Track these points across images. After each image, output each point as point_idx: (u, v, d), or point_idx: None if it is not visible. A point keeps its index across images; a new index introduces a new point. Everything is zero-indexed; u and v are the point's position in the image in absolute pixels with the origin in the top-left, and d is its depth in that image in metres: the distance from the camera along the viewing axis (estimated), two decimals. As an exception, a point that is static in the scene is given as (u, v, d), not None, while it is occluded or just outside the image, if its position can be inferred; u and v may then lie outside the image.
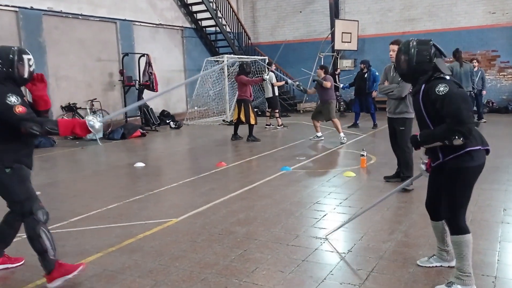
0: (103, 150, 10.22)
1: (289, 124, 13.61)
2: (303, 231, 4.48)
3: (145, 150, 10.41)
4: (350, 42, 16.56)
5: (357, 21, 16.70)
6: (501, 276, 3.36)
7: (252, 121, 10.70)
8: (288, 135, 11.62)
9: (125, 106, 13.68)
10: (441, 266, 3.47)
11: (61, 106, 12.25)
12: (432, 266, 3.47)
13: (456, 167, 2.99)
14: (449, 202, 3.07)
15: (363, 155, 7.40)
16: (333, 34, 16.54)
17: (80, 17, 12.71)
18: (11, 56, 3.30)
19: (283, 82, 11.77)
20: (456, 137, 2.84)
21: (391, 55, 5.87)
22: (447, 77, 2.97)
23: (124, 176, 7.53)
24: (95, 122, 3.32)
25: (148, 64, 13.48)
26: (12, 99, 3.19)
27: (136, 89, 13.68)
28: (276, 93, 13.34)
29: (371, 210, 5.12)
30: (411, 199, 5.44)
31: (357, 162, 7.56)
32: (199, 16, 16.70)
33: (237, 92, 11.12)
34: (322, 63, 15.34)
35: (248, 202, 5.54)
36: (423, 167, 3.33)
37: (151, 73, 13.46)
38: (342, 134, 9.86)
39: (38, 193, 6.35)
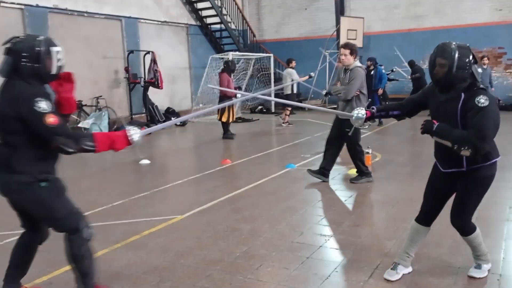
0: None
1: (295, 122, 13.60)
2: (307, 228, 4.49)
3: (150, 147, 10.43)
4: (355, 39, 16.47)
5: (363, 18, 16.63)
6: (506, 274, 3.36)
7: (224, 119, 10.62)
8: (293, 133, 11.61)
9: (130, 103, 13.72)
10: (408, 273, 3.34)
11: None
12: (400, 277, 3.29)
13: (485, 176, 3.02)
14: (465, 208, 3.10)
15: (368, 153, 7.37)
16: (338, 31, 16.48)
17: (85, 14, 12.74)
18: (37, 48, 2.70)
19: (307, 77, 11.35)
20: (467, 148, 2.78)
21: (342, 59, 5.94)
22: (487, 91, 2.92)
23: (130, 173, 7.56)
24: (134, 134, 2.86)
25: (153, 61, 13.49)
26: (42, 105, 2.62)
27: (142, 86, 13.70)
28: (295, 91, 13.22)
29: (376, 207, 5.13)
30: (416, 196, 5.42)
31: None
32: (204, 13, 16.70)
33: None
34: (328, 61, 15.32)
35: (253, 199, 5.55)
36: (362, 115, 3.41)
37: (156, 70, 13.47)
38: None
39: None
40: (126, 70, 13.63)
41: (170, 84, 15.54)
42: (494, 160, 3.00)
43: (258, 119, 15.06)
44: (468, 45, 2.97)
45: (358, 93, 5.91)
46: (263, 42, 18.96)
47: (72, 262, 2.89)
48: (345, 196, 5.68)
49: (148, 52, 13.76)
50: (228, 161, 7.96)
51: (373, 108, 3.48)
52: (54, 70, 2.80)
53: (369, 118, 3.49)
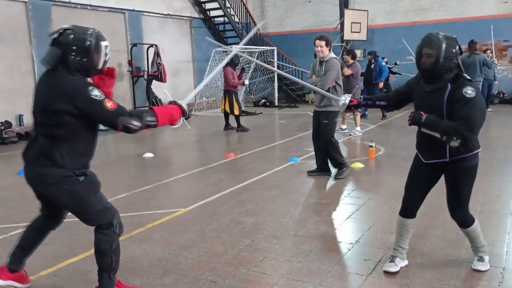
0: (112, 140, 10.27)
1: (298, 115, 13.58)
2: (310, 221, 4.50)
3: (154, 141, 10.45)
4: (359, 32, 16.41)
5: (367, 11, 16.53)
6: (510, 267, 3.36)
7: (236, 112, 10.79)
8: (296, 126, 11.60)
9: (134, 97, 13.73)
10: (405, 266, 3.36)
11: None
12: (399, 270, 3.31)
13: (469, 166, 3.05)
14: (460, 200, 3.14)
15: (371, 146, 7.38)
16: (342, 24, 16.40)
17: (88, 7, 12.73)
18: (88, 42, 2.68)
19: (350, 71, 10.64)
20: (456, 139, 2.80)
21: (318, 50, 5.92)
22: (473, 82, 2.95)
23: (133, 166, 7.58)
24: (183, 104, 2.96)
25: (157, 54, 13.49)
26: (97, 93, 2.63)
27: (145, 79, 13.72)
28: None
29: (380, 201, 5.13)
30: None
31: (366, 153, 7.54)
32: (208, 6, 16.66)
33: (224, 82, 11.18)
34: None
35: (256, 193, 5.56)
36: (347, 101, 3.57)
37: (159, 63, 13.48)
38: (358, 128, 9.77)
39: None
40: (130, 63, 13.64)
41: (174, 77, 15.54)
42: (476, 151, 3.04)
43: (262, 113, 15.05)
44: (455, 36, 2.98)
45: (334, 84, 5.92)
46: (267, 35, 18.90)
47: (100, 256, 2.88)
48: (348, 189, 5.68)
49: (151, 45, 13.76)
50: (231, 154, 7.97)
51: (360, 97, 3.58)
52: (100, 65, 2.79)
53: (356, 106, 3.62)
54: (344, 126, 10.27)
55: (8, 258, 3.12)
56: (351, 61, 9.63)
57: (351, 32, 16.31)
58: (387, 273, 3.28)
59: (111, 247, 2.85)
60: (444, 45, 2.88)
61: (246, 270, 3.42)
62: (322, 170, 6.29)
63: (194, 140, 10.49)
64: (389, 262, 3.34)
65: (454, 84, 2.92)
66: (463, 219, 3.21)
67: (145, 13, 14.56)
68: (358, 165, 6.83)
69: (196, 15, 16.71)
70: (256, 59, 16.78)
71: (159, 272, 3.43)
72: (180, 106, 2.94)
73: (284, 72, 17.27)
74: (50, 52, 2.69)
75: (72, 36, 2.67)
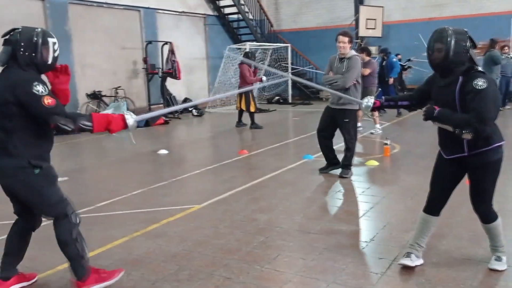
0: (131, 138, 10.36)
1: (312, 112, 13.54)
2: (325, 219, 4.49)
3: (168, 138, 10.52)
4: (374, 28, 16.28)
5: (382, 7, 16.38)
6: (527, 267, 3.31)
7: (252, 109, 10.84)
8: (310, 123, 11.56)
9: (149, 94, 13.81)
10: (420, 265, 3.32)
11: (86, 93, 12.45)
12: (416, 265, 3.30)
13: (490, 161, 3.01)
14: (482, 196, 3.11)
15: (386, 144, 7.33)
16: (357, 20, 16.29)
17: (104, 5, 12.83)
18: (35, 38, 2.84)
19: (368, 70, 10.37)
20: (469, 131, 2.78)
21: (340, 46, 5.82)
22: (486, 73, 2.94)
23: (148, 163, 7.64)
24: (130, 119, 3.00)
25: (171, 52, 13.55)
26: (39, 88, 2.76)
27: (159, 77, 13.79)
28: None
29: (394, 199, 5.09)
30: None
31: (381, 151, 7.49)
32: (222, 3, 16.68)
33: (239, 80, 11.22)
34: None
35: (270, 190, 5.57)
36: (371, 104, 3.53)
37: (174, 61, 13.54)
38: (378, 126, 9.67)
39: (65, 178, 6.52)
40: (145, 60, 13.73)
41: (188, 75, 15.61)
42: (496, 145, 2.99)
43: (275, 110, 15.03)
44: (466, 30, 2.99)
45: (355, 82, 5.85)
46: (281, 32, 18.85)
47: (64, 246, 2.99)
48: (362, 187, 5.65)
49: (166, 43, 13.82)
50: (245, 151, 7.98)
51: (382, 98, 3.56)
52: (50, 60, 2.92)
53: (378, 107, 3.59)
54: (359, 124, 10.19)
55: (0, 269, 3.15)
56: (366, 59, 9.53)
57: (366, 28, 16.18)
58: (403, 267, 3.27)
59: (71, 236, 2.97)
60: (453, 39, 2.90)
61: (260, 267, 3.43)
62: (333, 164, 6.26)
63: (208, 137, 10.53)
64: (405, 257, 3.31)
65: (466, 76, 2.93)
66: (486, 214, 3.17)
67: (160, 11, 14.63)
68: (373, 162, 6.78)
69: (210, 12, 16.74)
70: (270, 56, 16.78)
71: (174, 268, 3.46)
72: (123, 120, 2.99)
73: (297, 70, 17.25)
74: (2, 51, 2.86)
75: (20, 34, 2.84)
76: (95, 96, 12.49)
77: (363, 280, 3.21)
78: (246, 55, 11.13)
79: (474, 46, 2.97)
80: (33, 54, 2.84)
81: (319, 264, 3.46)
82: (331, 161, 6.28)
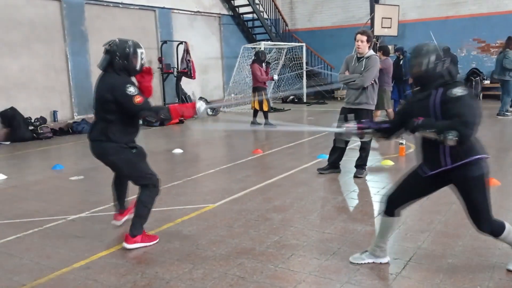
0: (143, 137, 10.44)
1: (327, 112, 13.48)
2: (339, 219, 4.47)
3: (183, 137, 10.57)
4: (390, 27, 16.11)
5: (398, 5, 16.21)
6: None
7: (265, 108, 10.91)
8: (324, 123, 11.52)
9: (164, 93, 13.90)
10: (373, 262, 3.39)
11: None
12: (364, 263, 3.39)
13: (473, 176, 2.95)
14: (479, 212, 3.01)
15: (402, 144, 7.26)
16: (372, 19, 16.14)
17: (120, 5, 12.95)
18: (127, 50, 3.62)
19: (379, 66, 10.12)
20: (452, 136, 2.74)
21: (358, 45, 5.74)
22: (463, 84, 2.97)
23: (163, 162, 7.68)
24: (201, 106, 3.68)
25: (186, 51, 13.61)
26: (131, 89, 3.53)
27: (174, 76, 13.87)
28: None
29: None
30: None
31: (396, 151, 7.42)
32: (237, 2, 16.69)
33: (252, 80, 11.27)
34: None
35: (284, 189, 5.56)
36: (354, 129, 3.38)
37: (189, 60, 13.60)
38: None
39: (81, 177, 6.60)
40: (160, 60, 13.82)
41: (202, 74, 15.66)
42: (478, 157, 2.93)
43: (290, 109, 15.00)
44: (448, 47, 3.12)
45: (372, 82, 5.80)
46: (295, 31, 18.81)
47: (141, 206, 3.80)
48: (377, 187, 5.61)
49: (181, 42, 13.89)
50: (259, 151, 7.98)
51: (362, 122, 3.46)
52: (138, 66, 3.73)
53: (362, 128, 3.40)
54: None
55: (115, 207, 4.33)
56: (383, 58, 9.47)
57: (382, 27, 16.03)
58: (351, 263, 3.40)
59: (149, 200, 3.80)
60: (432, 54, 2.99)
61: (273, 267, 3.43)
62: (334, 167, 6.25)
63: (222, 136, 10.56)
64: (359, 253, 3.46)
65: (445, 87, 2.95)
66: (491, 229, 3.06)
67: (175, 11, 14.71)
68: (388, 162, 6.73)
69: (225, 12, 16.77)
70: (285, 55, 16.75)
71: (188, 266, 3.47)
72: (193, 107, 3.70)
73: (313, 68, 17.19)
74: (102, 59, 3.66)
75: (117, 46, 3.65)
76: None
77: (378, 281, 3.19)
78: (257, 54, 11.15)
79: (454, 62, 3.03)
80: (126, 62, 3.63)
81: (333, 264, 3.44)
82: (334, 165, 6.26)
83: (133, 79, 3.79)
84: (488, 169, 3.01)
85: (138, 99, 3.53)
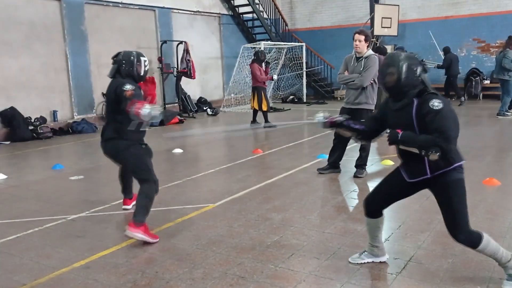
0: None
1: (327, 111, 13.47)
2: (339, 218, 4.47)
3: (183, 137, 10.57)
4: (390, 27, 16.11)
5: (398, 5, 16.21)
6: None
7: (264, 108, 10.90)
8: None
9: (163, 93, 13.90)
10: (372, 262, 3.40)
11: (102, 93, 12.55)
12: (364, 263, 3.41)
13: (452, 180, 2.93)
14: (455, 218, 2.95)
15: (402, 143, 7.24)
16: (372, 19, 16.15)
17: (120, 5, 12.95)
18: (132, 58, 4.12)
19: None
20: (434, 152, 2.75)
21: (356, 45, 5.74)
22: (438, 94, 2.93)
23: (163, 162, 7.68)
24: (146, 109, 3.71)
25: (186, 51, 13.61)
26: (127, 86, 3.93)
27: (174, 76, 13.87)
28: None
29: (409, 199, 5.03)
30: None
31: (396, 150, 7.41)
32: (236, 2, 16.69)
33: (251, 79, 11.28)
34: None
35: (284, 189, 5.56)
36: (322, 119, 3.44)
37: (188, 60, 13.60)
38: None
39: (81, 177, 6.59)
40: (160, 60, 13.81)
41: (202, 74, 15.66)
42: (457, 164, 2.93)
43: (290, 109, 15.01)
44: (416, 54, 3.06)
45: (371, 81, 5.79)
46: (295, 31, 18.81)
47: (143, 197, 4.02)
48: (377, 187, 5.61)
49: (181, 42, 13.89)
50: (259, 150, 7.99)
51: (339, 117, 3.46)
52: (142, 73, 4.17)
53: (332, 125, 3.47)
54: None
55: (123, 194, 4.82)
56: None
57: (382, 27, 16.04)
58: (350, 263, 3.42)
59: (149, 193, 4.03)
60: (404, 63, 2.95)
61: (274, 266, 3.43)
62: (334, 167, 6.25)
63: (222, 136, 10.55)
64: (358, 254, 3.47)
65: (420, 98, 2.93)
66: (468, 239, 2.98)
67: (175, 10, 14.71)
68: (388, 162, 6.73)
69: (225, 12, 16.77)
70: (285, 55, 16.76)
71: (188, 266, 3.47)
72: (141, 108, 3.75)
73: (312, 68, 17.18)
74: (111, 68, 4.18)
75: (123, 55, 4.17)
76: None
77: (378, 280, 3.19)
78: (256, 54, 11.15)
79: (425, 70, 3.01)
80: (131, 68, 4.11)
81: (333, 263, 3.44)
82: (334, 164, 6.26)
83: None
84: (463, 174, 2.97)
85: (129, 92, 3.85)
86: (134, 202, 4.62)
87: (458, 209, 2.95)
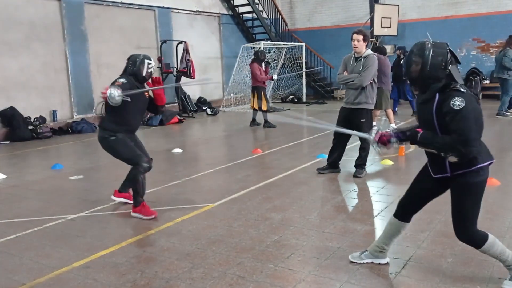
0: (143, 136, 10.42)
1: (326, 111, 13.49)
2: (339, 218, 4.47)
3: (183, 136, 10.57)
4: (389, 27, 16.11)
5: (398, 5, 16.21)
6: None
7: (264, 108, 10.91)
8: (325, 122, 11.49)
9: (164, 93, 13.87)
10: (372, 262, 3.38)
11: (102, 92, 12.58)
12: (363, 263, 3.39)
13: (473, 182, 2.84)
14: (463, 218, 2.92)
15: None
16: (372, 19, 16.15)
17: (120, 5, 12.94)
18: (137, 58, 4.60)
19: None
20: (453, 155, 2.68)
21: (355, 45, 5.73)
22: (463, 90, 2.76)
23: (162, 162, 7.68)
24: (113, 92, 4.25)
25: (186, 51, 13.60)
26: (121, 80, 4.46)
27: (174, 76, 13.86)
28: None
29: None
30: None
31: (395, 150, 7.42)
32: (236, 2, 16.68)
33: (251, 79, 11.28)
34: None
35: (284, 189, 5.56)
36: (372, 137, 3.14)
37: (188, 60, 13.58)
38: (393, 125, 9.59)
39: (80, 177, 6.59)
40: (159, 59, 13.80)
41: (202, 74, 15.64)
42: (480, 166, 2.81)
43: (289, 109, 15.00)
44: (446, 43, 2.83)
45: (371, 81, 5.79)
46: (295, 31, 18.80)
47: (130, 182, 4.70)
48: (377, 187, 5.61)
49: (180, 42, 13.88)
50: (259, 150, 7.98)
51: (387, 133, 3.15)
52: (144, 73, 4.60)
53: (384, 140, 3.11)
54: (374, 123, 10.09)
55: (120, 186, 5.07)
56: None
57: (381, 27, 16.04)
58: (351, 261, 3.42)
59: (136, 177, 4.57)
60: (430, 53, 2.76)
61: (273, 266, 3.42)
62: (334, 167, 6.24)
63: (222, 136, 10.56)
64: (358, 252, 3.45)
65: (442, 94, 2.77)
66: (472, 239, 2.97)
67: (174, 10, 14.70)
68: (388, 162, 6.73)
69: (225, 12, 16.77)
70: (285, 55, 16.76)
71: (188, 266, 3.47)
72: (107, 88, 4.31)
73: (312, 69, 17.18)
74: (126, 68, 4.68)
75: (132, 56, 4.70)
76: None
77: (377, 280, 3.19)
78: (256, 54, 11.15)
79: (457, 61, 2.83)
80: (134, 68, 4.59)
81: (332, 263, 3.44)
82: (334, 164, 6.25)
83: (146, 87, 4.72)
84: (486, 175, 2.89)
85: (117, 83, 4.38)
86: (120, 199, 5.08)
87: (469, 213, 2.90)
